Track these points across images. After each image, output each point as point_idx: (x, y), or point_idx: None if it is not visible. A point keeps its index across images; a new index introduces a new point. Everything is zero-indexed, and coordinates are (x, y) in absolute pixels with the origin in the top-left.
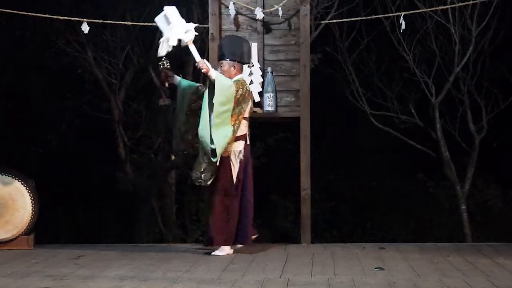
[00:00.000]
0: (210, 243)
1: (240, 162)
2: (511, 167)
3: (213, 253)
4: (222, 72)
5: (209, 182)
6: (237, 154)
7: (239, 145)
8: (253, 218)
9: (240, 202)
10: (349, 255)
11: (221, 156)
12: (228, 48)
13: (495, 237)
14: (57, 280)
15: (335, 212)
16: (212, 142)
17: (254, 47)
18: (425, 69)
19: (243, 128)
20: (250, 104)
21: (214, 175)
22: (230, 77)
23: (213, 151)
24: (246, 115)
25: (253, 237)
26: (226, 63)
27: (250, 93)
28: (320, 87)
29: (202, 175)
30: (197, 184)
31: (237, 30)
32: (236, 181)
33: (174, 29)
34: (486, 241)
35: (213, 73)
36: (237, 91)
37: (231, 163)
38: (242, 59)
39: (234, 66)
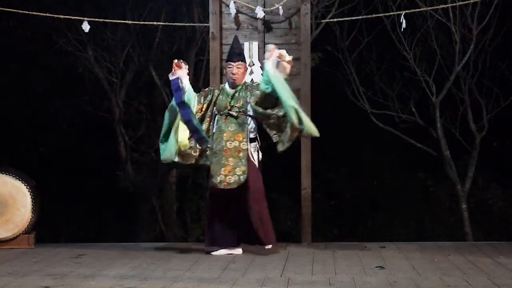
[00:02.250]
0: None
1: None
2: None
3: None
4: (241, 74)
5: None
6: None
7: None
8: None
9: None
10: (349, 254)
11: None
12: (241, 50)
13: (496, 236)
14: (58, 279)
15: (336, 211)
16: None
17: (254, 46)
18: (425, 68)
19: None
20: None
21: None
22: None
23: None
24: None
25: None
26: (243, 65)
27: None
28: (321, 86)
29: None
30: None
31: (237, 29)
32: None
33: None
34: (486, 240)
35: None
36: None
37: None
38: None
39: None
